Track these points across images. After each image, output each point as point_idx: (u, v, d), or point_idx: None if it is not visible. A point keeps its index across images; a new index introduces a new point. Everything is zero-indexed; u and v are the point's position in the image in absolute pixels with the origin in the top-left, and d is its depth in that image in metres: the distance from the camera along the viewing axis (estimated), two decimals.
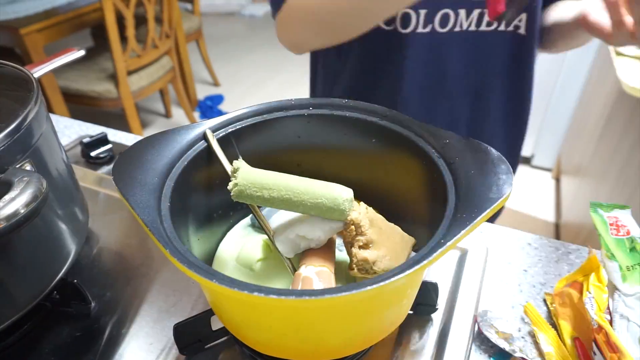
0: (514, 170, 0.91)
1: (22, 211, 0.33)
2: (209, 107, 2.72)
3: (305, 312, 0.33)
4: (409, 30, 0.66)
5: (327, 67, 0.81)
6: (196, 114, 2.69)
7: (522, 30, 0.68)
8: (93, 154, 0.72)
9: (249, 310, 0.35)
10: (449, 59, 0.69)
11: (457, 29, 0.66)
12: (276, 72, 3.18)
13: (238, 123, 0.46)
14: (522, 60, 0.71)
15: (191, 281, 0.52)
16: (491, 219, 0.85)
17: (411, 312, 0.47)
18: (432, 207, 0.39)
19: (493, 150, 0.38)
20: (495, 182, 0.34)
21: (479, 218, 0.32)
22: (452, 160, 0.38)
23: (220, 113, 1.83)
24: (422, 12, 0.64)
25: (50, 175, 0.45)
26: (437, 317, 0.48)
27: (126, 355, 0.45)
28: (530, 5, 0.66)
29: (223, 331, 0.44)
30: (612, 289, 0.44)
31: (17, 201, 0.33)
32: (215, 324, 0.44)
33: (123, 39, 1.85)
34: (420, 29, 0.66)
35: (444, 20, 0.65)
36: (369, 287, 0.28)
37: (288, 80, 3.09)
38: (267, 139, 0.47)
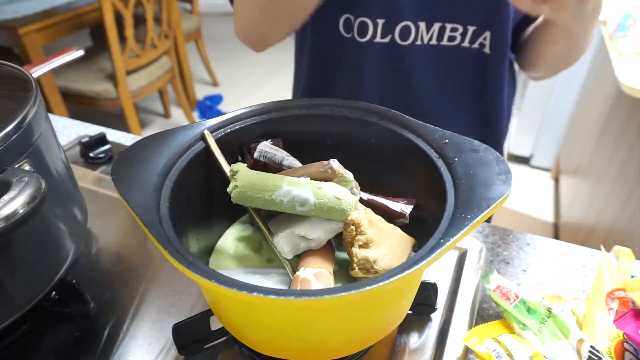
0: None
1: (21, 211, 0.33)
2: (208, 107, 2.72)
3: (304, 312, 0.33)
4: (365, 39, 0.65)
5: (296, 69, 0.81)
6: (195, 114, 2.69)
7: (486, 49, 0.65)
8: (92, 154, 0.72)
9: (248, 311, 0.35)
10: (411, 72, 0.67)
11: (419, 42, 0.64)
12: (275, 72, 3.18)
13: (237, 123, 0.46)
14: (489, 81, 0.68)
15: (190, 281, 0.52)
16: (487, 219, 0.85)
17: (410, 312, 0.47)
18: (432, 207, 0.39)
19: (492, 150, 0.38)
20: (495, 182, 0.34)
21: (478, 218, 0.32)
22: (452, 160, 0.38)
23: (220, 113, 1.83)
24: (380, 21, 0.63)
25: (49, 176, 0.45)
26: (436, 317, 0.48)
27: (125, 355, 0.45)
28: (493, 22, 0.63)
29: (222, 331, 0.44)
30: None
31: (16, 201, 0.33)
32: (214, 324, 0.44)
33: (122, 39, 1.85)
34: (378, 39, 0.64)
35: (405, 32, 0.63)
36: (367, 287, 0.28)
37: (287, 80, 3.09)
38: (267, 139, 0.47)
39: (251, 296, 0.28)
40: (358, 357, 0.43)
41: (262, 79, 3.11)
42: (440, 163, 0.39)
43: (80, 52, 0.64)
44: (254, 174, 0.41)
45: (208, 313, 0.44)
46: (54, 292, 0.49)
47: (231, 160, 0.44)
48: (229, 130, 0.45)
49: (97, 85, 1.92)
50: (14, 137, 0.39)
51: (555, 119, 2.00)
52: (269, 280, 0.42)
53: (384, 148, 0.45)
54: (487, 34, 0.64)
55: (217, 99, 2.82)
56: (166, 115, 2.65)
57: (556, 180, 2.07)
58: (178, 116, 2.65)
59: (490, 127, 0.74)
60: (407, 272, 0.29)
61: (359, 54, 0.67)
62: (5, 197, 0.33)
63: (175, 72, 2.31)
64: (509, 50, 0.67)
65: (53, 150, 0.46)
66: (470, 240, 0.57)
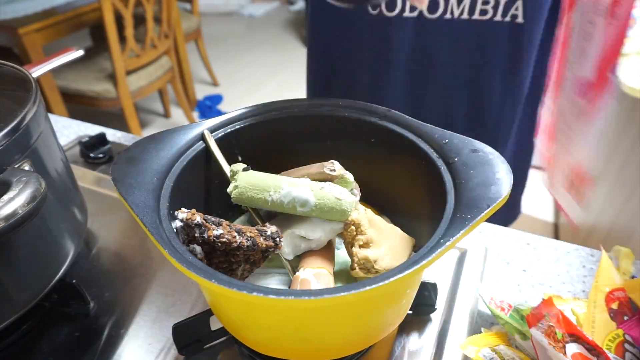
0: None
1: (20, 211, 0.33)
2: (208, 107, 2.72)
3: (304, 312, 0.33)
4: (394, 13, 0.64)
5: (311, 56, 0.79)
6: (195, 114, 2.69)
7: (519, 19, 0.63)
8: (92, 154, 0.72)
9: (247, 311, 0.35)
10: (438, 46, 0.66)
11: (448, 16, 0.63)
12: (275, 72, 3.18)
13: (237, 123, 0.46)
14: (522, 52, 0.67)
15: (190, 281, 0.52)
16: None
17: (410, 312, 0.47)
18: (432, 207, 0.39)
19: (493, 150, 0.38)
20: (495, 182, 0.34)
21: (478, 218, 0.32)
22: (452, 160, 0.38)
23: (220, 113, 1.83)
24: None
25: (49, 176, 0.44)
26: (436, 317, 0.48)
27: (125, 356, 0.45)
28: None
29: (222, 331, 0.44)
30: None
31: (16, 201, 0.33)
32: (214, 324, 0.44)
33: (122, 38, 1.85)
34: (406, 13, 0.63)
35: (433, 5, 0.62)
36: (367, 287, 0.28)
37: (287, 80, 3.09)
38: (267, 139, 0.47)
39: (251, 296, 0.28)
40: (358, 357, 0.43)
41: (262, 79, 3.11)
42: (440, 163, 0.39)
43: (80, 52, 0.64)
44: (254, 174, 0.41)
45: (208, 313, 0.44)
46: (54, 292, 0.49)
47: (231, 160, 0.44)
48: (229, 130, 0.45)
49: (97, 85, 1.92)
50: (13, 137, 0.39)
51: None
52: (269, 280, 0.42)
53: (384, 148, 0.45)
54: (519, 3, 0.62)
55: (217, 99, 2.82)
56: (166, 115, 2.65)
57: None
58: (178, 116, 2.65)
59: (524, 106, 0.72)
60: (407, 272, 0.29)
61: (385, 31, 0.65)
62: (5, 197, 0.33)
63: (175, 72, 2.31)
64: (543, 20, 0.65)
65: (53, 150, 0.46)
66: (470, 240, 0.57)
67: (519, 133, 0.78)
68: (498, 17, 0.63)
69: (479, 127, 0.73)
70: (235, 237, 0.36)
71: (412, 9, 0.63)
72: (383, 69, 0.69)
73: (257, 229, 0.38)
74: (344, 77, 0.75)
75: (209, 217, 0.36)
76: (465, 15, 0.63)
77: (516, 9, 0.62)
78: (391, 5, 0.64)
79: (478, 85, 0.70)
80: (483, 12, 0.63)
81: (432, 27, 0.64)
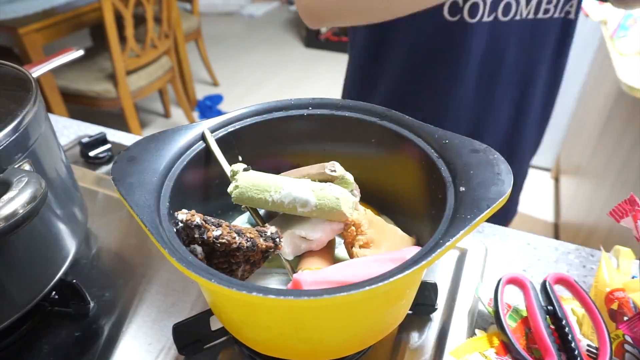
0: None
1: (20, 211, 0.33)
2: (208, 107, 2.72)
3: (304, 312, 0.33)
4: (475, 19, 0.64)
5: (360, 69, 0.79)
6: (195, 114, 2.69)
7: (572, 15, 0.68)
8: (92, 154, 0.72)
9: (247, 310, 0.35)
10: (507, 47, 0.68)
11: (517, 17, 0.65)
12: (275, 72, 3.18)
13: (237, 123, 0.46)
14: (566, 45, 0.72)
15: (190, 281, 0.52)
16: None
17: (410, 312, 0.47)
18: (432, 207, 0.39)
19: (492, 150, 0.38)
20: (495, 182, 0.34)
21: (478, 218, 0.32)
22: (452, 160, 0.38)
23: (220, 113, 1.83)
24: (488, 0, 0.63)
25: (49, 176, 0.45)
26: (436, 317, 0.48)
27: (125, 355, 0.45)
28: None
29: (222, 331, 0.44)
30: None
31: (16, 201, 0.33)
32: (215, 324, 0.44)
33: (122, 38, 1.85)
34: (485, 18, 0.65)
35: (507, 8, 0.64)
36: (367, 287, 0.28)
37: (287, 80, 3.09)
38: (267, 139, 0.47)
39: (251, 296, 0.28)
40: (358, 357, 0.43)
41: (262, 79, 3.11)
42: (440, 163, 0.39)
43: (80, 52, 0.64)
44: (255, 174, 0.41)
45: (208, 313, 0.44)
46: (54, 292, 0.49)
47: (231, 160, 0.44)
48: (229, 130, 0.45)
49: (97, 85, 1.92)
50: (13, 137, 0.39)
51: (555, 119, 2.00)
52: (269, 280, 0.42)
53: (384, 148, 0.45)
54: (574, 1, 0.66)
55: (217, 99, 2.82)
56: (166, 115, 2.65)
57: (556, 180, 2.07)
58: (178, 116, 2.65)
59: (557, 89, 0.77)
60: (406, 272, 0.29)
61: (466, 36, 0.66)
62: (5, 197, 0.33)
63: (175, 72, 2.31)
64: None
65: (53, 150, 0.46)
66: (470, 240, 0.57)
67: (528, 131, 0.79)
68: (556, 14, 0.67)
69: (521, 117, 0.76)
70: (234, 238, 0.36)
71: (490, 13, 0.64)
72: (459, 74, 0.70)
73: (256, 230, 0.38)
74: (421, 84, 0.74)
75: (209, 218, 0.36)
76: (531, 15, 0.65)
77: (571, 5, 0.66)
78: (474, 11, 0.64)
79: (529, 78, 0.73)
80: (546, 10, 0.66)
81: (504, 30, 0.66)
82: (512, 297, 0.50)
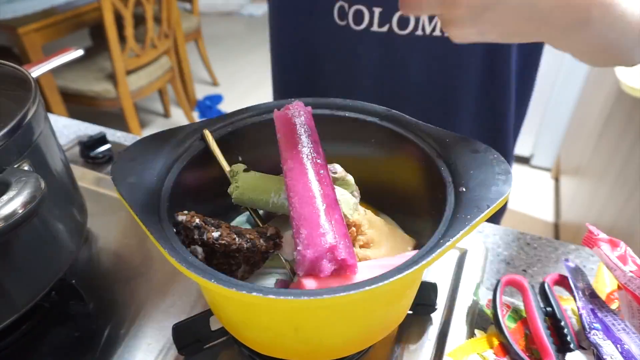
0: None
1: (20, 211, 0.33)
2: (208, 107, 2.72)
3: (303, 312, 0.33)
4: (361, 27, 0.62)
5: (276, 62, 0.78)
6: (195, 114, 2.69)
7: None
8: (92, 154, 0.72)
9: (247, 311, 0.35)
10: (410, 63, 0.64)
11: (419, 32, 0.60)
12: None
13: (237, 123, 0.46)
14: (497, 72, 0.64)
15: (190, 281, 0.52)
16: (494, 219, 0.83)
17: (410, 312, 0.47)
18: (432, 207, 0.39)
19: (493, 150, 0.38)
20: (495, 182, 0.34)
21: (478, 218, 0.32)
22: (452, 161, 0.38)
23: (219, 113, 1.83)
24: (377, 10, 0.60)
25: (49, 176, 0.44)
26: (436, 317, 0.48)
27: (125, 356, 0.45)
28: None
29: (222, 331, 0.44)
30: None
31: (15, 201, 0.33)
32: (214, 324, 0.44)
33: (122, 38, 1.85)
34: (375, 28, 0.62)
35: (403, 21, 0.60)
36: (367, 287, 0.28)
37: None
38: (267, 139, 0.47)
39: (251, 296, 0.28)
40: (358, 357, 0.43)
41: (262, 79, 3.10)
42: (440, 163, 0.39)
43: (80, 52, 0.64)
44: (255, 175, 0.41)
45: (208, 313, 0.44)
46: (53, 293, 0.49)
47: (231, 161, 0.44)
48: (229, 130, 0.45)
49: (97, 85, 1.92)
50: (13, 137, 0.39)
51: (555, 119, 2.00)
52: (269, 280, 0.42)
53: (384, 148, 0.45)
54: None
55: (217, 98, 2.82)
56: (166, 115, 2.65)
57: (556, 180, 2.07)
58: (178, 116, 2.65)
59: (500, 123, 0.69)
60: (406, 272, 0.29)
61: (352, 43, 0.64)
62: (5, 197, 0.33)
63: (175, 72, 2.31)
64: None
65: (53, 150, 0.46)
66: (470, 240, 0.57)
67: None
68: None
69: None
70: (234, 239, 0.36)
71: (381, 23, 0.61)
72: (352, 83, 0.68)
73: (256, 231, 0.38)
74: (312, 81, 0.73)
75: (208, 219, 0.36)
76: (437, 32, 0.60)
77: None
78: (358, 19, 0.62)
79: (451, 105, 0.68)
80: None
81: (402, 43, 0.62)
82: (512, 296, 0.50)
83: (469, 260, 0.54)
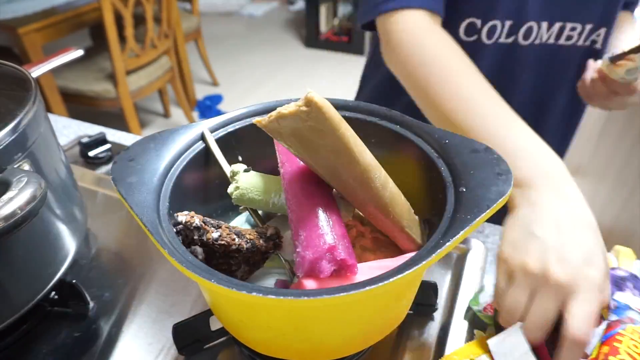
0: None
1: (20, 211, 0.33)
2: (208, 107, 2.72)
3: (303, 312, 0.33)
4: (492, 41, 0.64)
5: (382, 81, 0.78)
6: (195, 114, 2.68)
7: (598, 45, 0.66)
8: (92, 154, 0.72)
9: (247, 311, 0.35)
10: (523, 69, 0.68)
11: (538, 41, 0.65)
12: (275, 72, 3.18)
13: (237, 123, 0.46)
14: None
15: (190, 281, 0.52)
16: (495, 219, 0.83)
17: (411, 312, 0.47)
18: (432, 207, 0.39)
19: (492, 150, 0.38)
20: (495, 182, 0.34)
21: (478, 218, 0.32)
22: (452, 160, 0.38)
23: (219, 113, 1.83)
24: (508, 23, 0.63)
25: (49, 176, 0.44)
26: (436, 317, 0.48)
27: (125, 356, 0.45)
28: (609, 18, 0.64)
29: (222, 331, 0.44)
30: None
31: (15, 201, 0.33)
32: (214, 324, 0.44)
33: (122, 38, 1.85)
34: (502, 39, 0.64)
35: (528, 32, 0.64)
36: (367, 287, 0.28)
37: (287, 80, 3.09)
38: (267, 139, 0.47)
39: (251, 296, 0.28)
40: (358, 357, 0.43)
41: (262, 79, 3.10)
42: (440, 163, 0.39)
43: (80, 52, 0.64)
44: (256, 175, 0.41)
45: (208, 313, 0.44)
46: (53, 293, 0.49)
47: (231, 161, 0.44)
48: (229, 130, 0.45)
49: (97, 85, 1.92)
50: (13, 137, 0.39)
51: None
52: (269, 281, 0.42)
53: (384, 148, 0.45)
54: (602, 31, 0.64)
55: (217, 98, 2.82)
56: (166, 115, 2.65)
57: None
58: (178, 116, 2.65)
59: (577, 117, 0.75)
60: (407, 272, 0.29)
61: (480, 56, 0.64)
62: (5, 197, 0.33)
63: (175, 72, 2.31)
64: None
65: (53, 150, 0.46)
66: (470, 240, 0.57)
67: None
68: (580, 42, 0.65)
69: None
70: (234, 239, 0.36)
71: (509, 34, 0.64)
72: None
73: (256, 231, 0.38)
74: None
75: (208, 219, 0.36)
76: (551, 40, 0.65)
77: (598, 35, 0.65)
78: (491, 34, 0.64)
79: (545, 103, 0.71)
80: (569, 37, 0.64)
81: (522, 53, 0.65)
82: None
83: (469, 260, 0.54)
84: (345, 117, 0.46)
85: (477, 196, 0.34)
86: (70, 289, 0.48)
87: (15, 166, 0.39)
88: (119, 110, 2.04)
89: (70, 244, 0.48)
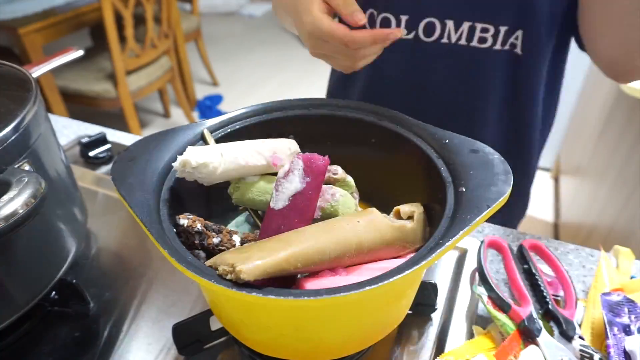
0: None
1: (20, 211, 0.33)
2: (208, 107, 2.72)
3: (303, 312, 0.33)
4: None
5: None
6: (195, 114, 2.69)
7: (518, 50, 0.60)
8: (92, 154, 0.72)
9: (247, 311, 0.35)
10: (434, 70, 0.65)
11: (445, 40, 0.62)
12: (275, 72, 3.18)
13: (237, 123, 0.46)
14: (520, 85, 0.64)
15: (190, 281, 0.52)
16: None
17: (410, 312, 0.47)
18: (432, 207, 0.39)
19: (492, 150, 0.38)
20: (494, 182, 0.34)
21: (478, 218, 0.32)
22: (451, 161, 0.38)
23: (219, 113, 1.83)
24: (404, 17, 0.61)
25: (49, 176, 0.45)
26: (436, 317, 0.48)
27: (125, 356, 0.45)
28: (525, 19, 0.59)
29: (222, 331, 0.44)
30: None
31: (16, 201, 0.33)
32: (214, 324, 0.44)
33: (122, 38, 1.85)
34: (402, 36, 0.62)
35: (429, 28, 0.61)
36: (367, 287, 0.28)
37: (287, 80, 3.09)
38: (266, 138, 0.47)
39: (250, 296, 0.28)
40: (358, 357, 0.43)
41: (262, 79, 3.11)
42: (440, 163, 0.39)
43: (80, 52, 0.64)
44: (255, 176, 0.41)
45: (208, 313, 0.44)
46: (53, 292, 0.49)
47: None
48: (229, 130, 0.45)
49: (97, 85, 1.92)
50: (13, 137, 0.39)
51: (555, 119, 2.00)
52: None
53: (384, 148, 0.45)
54: (519, 33, 0.60)
55: (217, 99, 2.82)
56: (166, 115, 2.65)
57: (556, 180, 2.07)
58: (178, 116, 2.65)
59: (523, 137, 0.70)
60: (407, 272, 0.29)
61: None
62: (5, 197, 0.33)
63: (175, 72, 2.31)
64: (548, 50, 0.63)
65: (53, 150, 0.46)
66: (470, 240, 0.57)
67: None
68: (497, 46, 0.61)
69: None
70: (234, 245, 0.36)
71: (408, 30, 0.62)
72: (378, 87, 0.69)
73: (257, 235, 0.38)
74: (348, 87, 0.75)
75: (210, 224, 0.36)
76: (463, 41, 0.61)
77: (516, 38, 0.60)
78: (385, 25, 0.62)
79: (472, 113, 0.68)
80: (482, 39, 0.61)
81: (427, 49, 0.63)
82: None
83: (469, 260, 0.54)
84: (345, 117, 0.46)
85: (476, 196, 0.34)
86: (71, 288, 0.48)
87: (16, 166, 0.39)
88: (119, 110, 2.04)
89: (70, 243, 0.48)
